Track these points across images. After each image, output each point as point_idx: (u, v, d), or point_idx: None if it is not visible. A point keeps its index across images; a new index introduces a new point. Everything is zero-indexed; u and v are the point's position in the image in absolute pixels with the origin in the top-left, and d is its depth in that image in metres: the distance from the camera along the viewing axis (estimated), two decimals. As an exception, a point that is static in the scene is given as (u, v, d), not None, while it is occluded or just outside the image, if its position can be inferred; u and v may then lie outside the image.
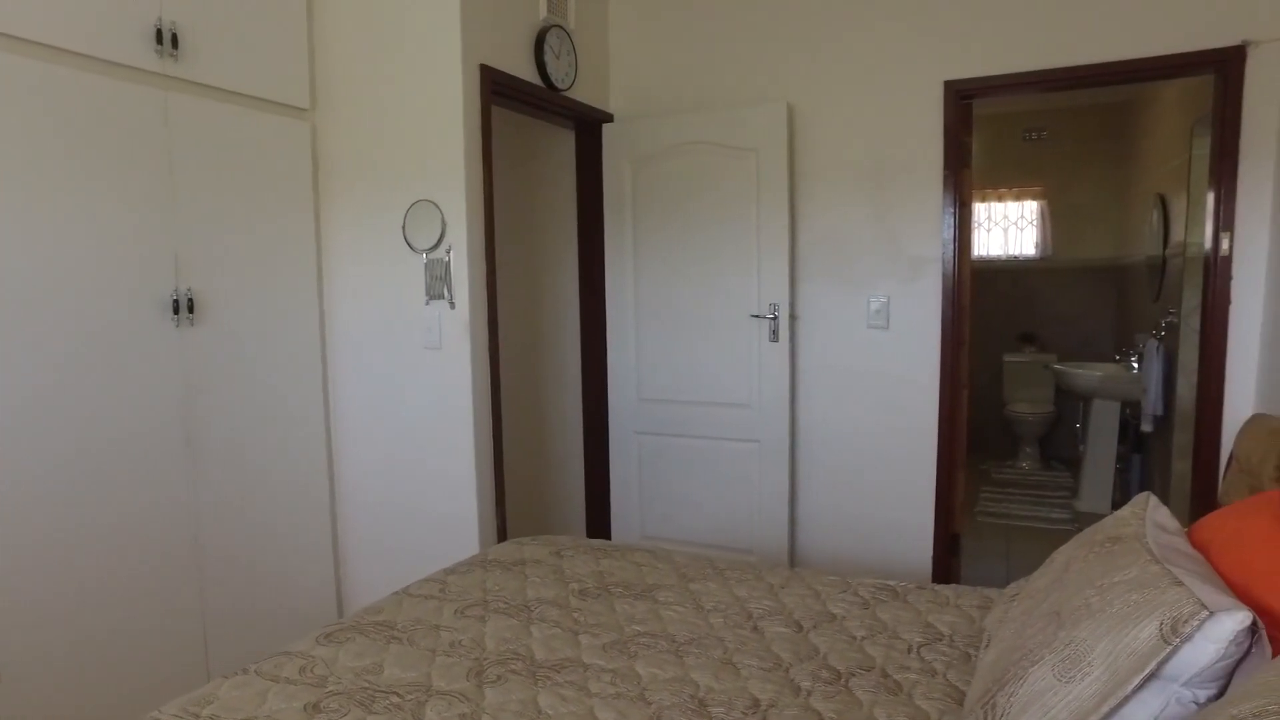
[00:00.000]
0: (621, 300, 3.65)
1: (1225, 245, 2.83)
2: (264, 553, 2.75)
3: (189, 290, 2.46)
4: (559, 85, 3.27)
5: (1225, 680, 1.05)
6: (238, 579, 2.65)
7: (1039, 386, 5.75)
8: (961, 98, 3.14)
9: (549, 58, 3.20)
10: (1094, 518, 4.54)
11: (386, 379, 2.96)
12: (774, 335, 3.34)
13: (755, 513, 3.45)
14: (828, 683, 1.48)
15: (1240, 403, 2.84)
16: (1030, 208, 5.92)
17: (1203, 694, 1.05)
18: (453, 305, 2.84)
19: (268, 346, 2.76)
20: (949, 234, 3.19)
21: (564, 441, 4.01)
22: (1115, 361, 5.09)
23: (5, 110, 1.98)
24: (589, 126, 3.67)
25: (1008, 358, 5.90)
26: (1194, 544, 1.40)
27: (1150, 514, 1.44)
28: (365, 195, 2.94)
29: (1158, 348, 4.00)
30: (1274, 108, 2.75)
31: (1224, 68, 2.81)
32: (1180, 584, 1.08)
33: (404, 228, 2.88)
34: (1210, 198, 2.89)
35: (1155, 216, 4.51)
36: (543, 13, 3.19)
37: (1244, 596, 1.17)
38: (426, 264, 2.86)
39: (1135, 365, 4.55)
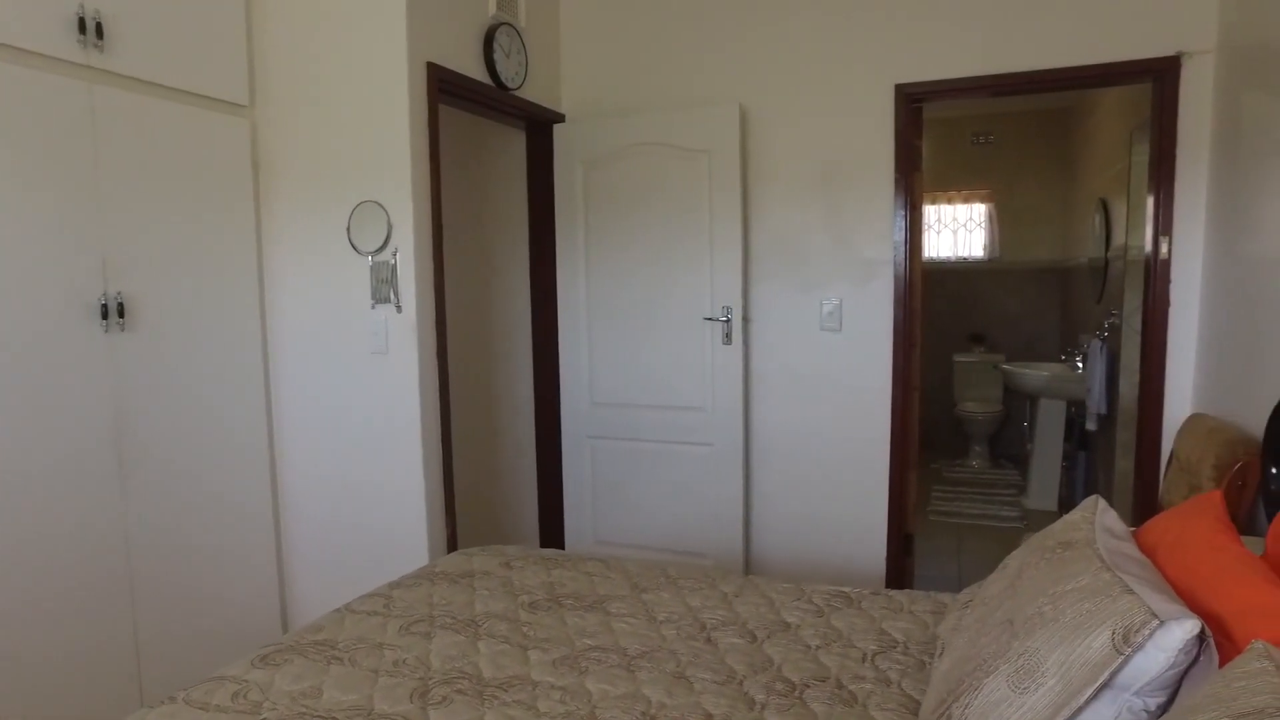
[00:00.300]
0: (573, 303, 3.60)
1: (1165, 249, 2.90)
2: (202, 571, 2.63)
3: (119, 294, 2.35)
4: (509, 84, 3.21)
5: (1174, 688, 1.05)
6: (174, 600, 2.53)
7: (988, 386, 5.85)
8: (912, 101, 3.17)
9: (498, 56, 3.14)
10: (1042, 514, 4.64)
11: (331, 386, 2.87)
12: (727, 338, 3.33)
13: (710, 517, 3.43)
14: (782, 695, 1.45)
15: (1179, 402, 2.90)
16: (978, 210, 6.02)
17: (1153, 702, 1.05)
18: (399, 309, 2.77)
19: (205, 353, 2.65)
20: (900, 236, 3.21)
21: (516, 447, 3.94)
22: (1061, 361, 5.20)
23: (-88, 104, 1.86)
24: (540, 127, 3.61)
25: (958, 358, 5.99)
26: (1141, 547, 1.41)
27: (1099, 518, 1.45)
28: (308, 196, 2.84)
29: (1101, 348, 4.09)
30: (1207, 117, 2.83)
31: (1160, 77, 2.88)
32: (1131, 592, 1.08)
33: (349, 229, 2.80)
34: (1150, 202, 2.95)
35: (1097, 220, 4.61)
36: (492, 10, 3.12)
37: (1189, 600, 1.18)
38: (372, 267, 2.78)
39: (1080, 365, 4.65)
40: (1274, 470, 2.09)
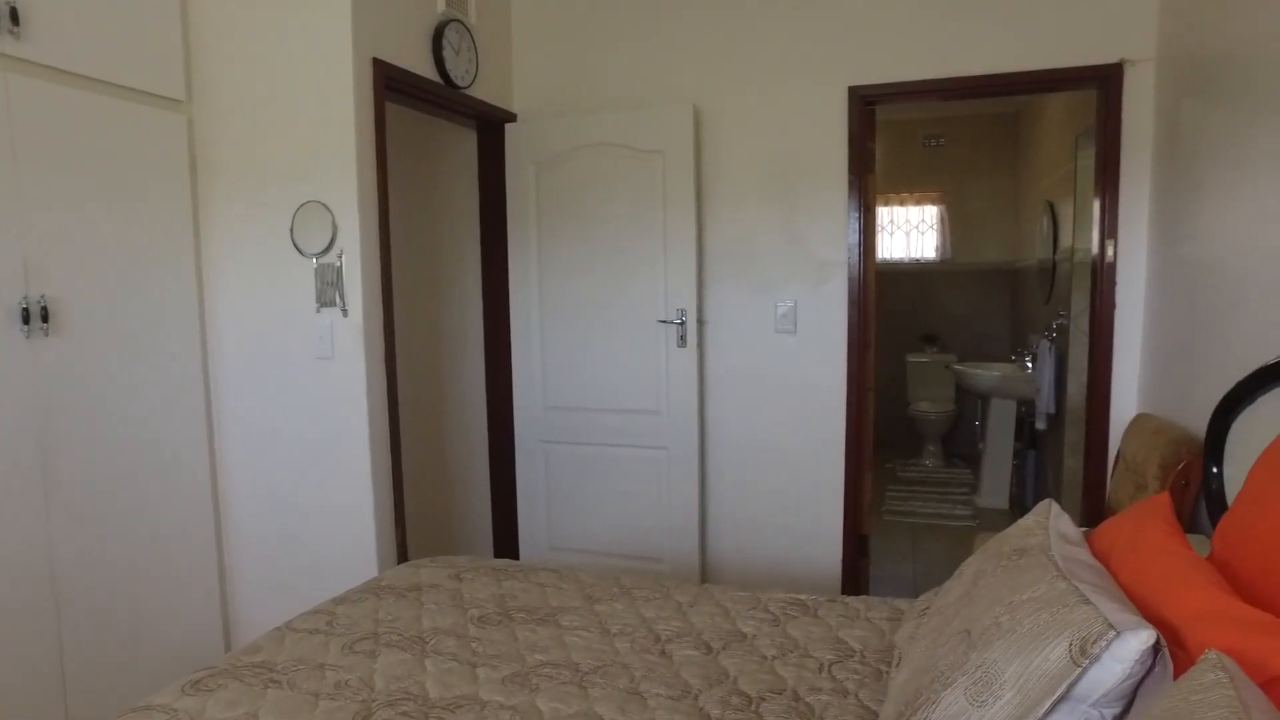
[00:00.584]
0: (526, 306, 3.54)
1: (1110, 252, 2.94)
2: (137, 594, 2.50)
3: (42, 297, 2.22)
4: (459, 82, 3.14)
5: (1130, 698, 1.04)
6: (106, 627, 2.39)
7: (940, 386, 5.92)
8: (865, 103, 3.17)
9: (448, 53, 3.06)
10: (994, 513, 4.70)
11: (275, 393, 2.77)
12: (682, 340, 3.30)
13: (665, 521, 3.40)
14: (738, 710, 1.42)
15: (1125, 402, 2.95)
16: (930, 212, 6.09)
17: (1109, 713, 1.04)
18: (345, 313, 2.68)
19: (139, 360, 2.53)
20: (854, 238, 3.21)
21: (468, 453, 3.87)
22: (1011, 362, 5.28)
23: None
24: (491, 126, 3.54)
25: (911, 358, 6.06)
26: (1095, 552, 1.41)
27: (1053, 523, 1.45)
28: (249, 195, 2.74)
29: (1050, 348, 4.15)
30: (1149, 123, 2.88)
31: (1104, 83, 2.93)
32: (1087, 602, 1.07)
33: (292, 230, 2.70)
34: (1096, 206, 3.00)
35: (1045, 222, 4.69)
36: (441, 6, 3.05)
37: (1142, 606, 1.17)
38: (317, 269, 2.69)
39: (1029, 365, 4.72)
40: (1214, 470, 2.12)
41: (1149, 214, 2.88)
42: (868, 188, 3.27)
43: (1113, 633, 0.99)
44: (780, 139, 3.26)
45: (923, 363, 6.01)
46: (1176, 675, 1.01)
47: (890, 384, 6.07)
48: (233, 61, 2.70)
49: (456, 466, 3.91)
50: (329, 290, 2.69)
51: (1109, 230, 2.93)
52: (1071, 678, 1.00)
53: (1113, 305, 2.94)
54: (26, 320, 2.18)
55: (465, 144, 3.70)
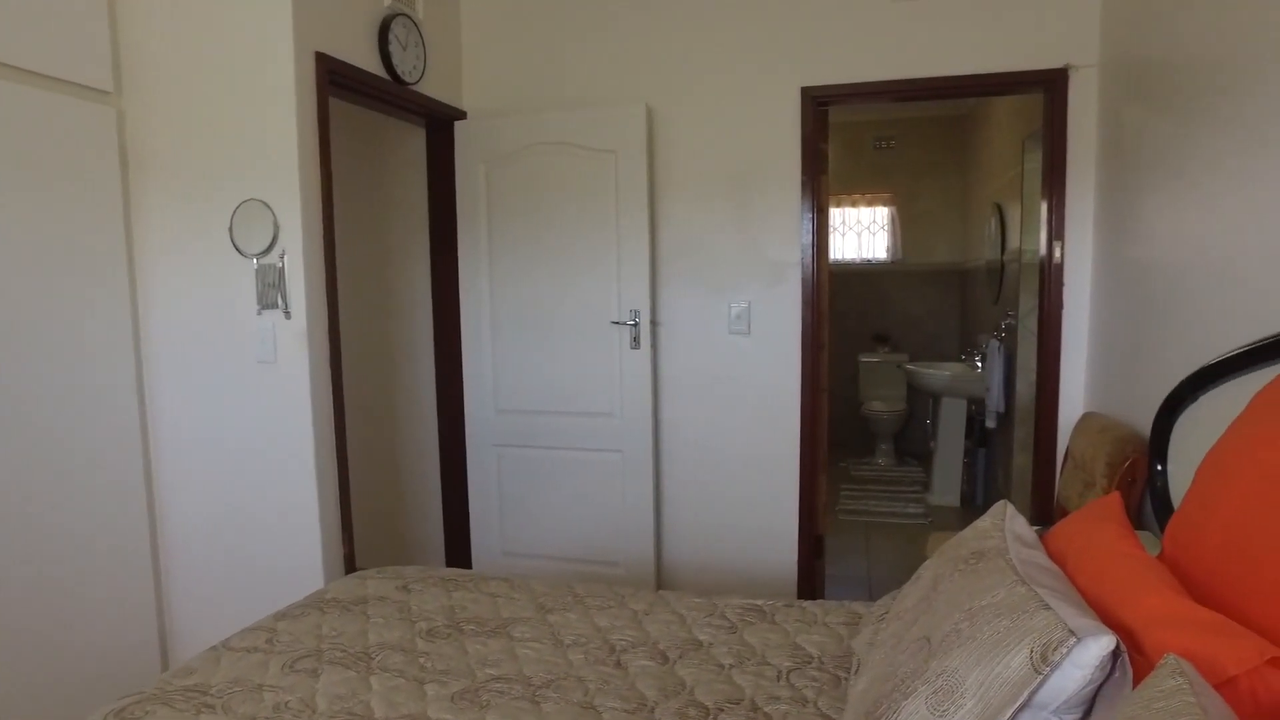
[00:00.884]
0: (477, 307, 3.46)
1: (1058, 253, 2.99)
2: (66, 617, 2.36)
3: (-42, 301, 2.10)
4: (406, 78, 3.06)
5: (1089, 704, 1.03)
6: (32, 651, 2.26)
7: (892, 385, 5.99)
8: (818, 104, 3.17)
9: (394, 48, 2.98)
10: (946, 511, 4.76)
11: (214, 399, 2.66)
12: (635, 342, 3.26)
13: (620, 524, 3.36)
14: (695, 721, 1.38)
15: (1073, 401, 3.00)
16: (881, 213, 6.16)
17: (1069, 719, 1.03)
18: (288, 315, 2.59)
19: (67, 366, 2.40)
20: (808, 239, 3.21)
21: (418, 459, 3.78)
22: (961, 361, 5.36)
23: None
24: (440, 123, 3.46)
25: (863, 358, 6.12)
26: (1050, 554, 1.41)
27: (1009, 525, 1.44)
28: (185, 192, 2.63)
29: (999, 348, 4.22)
30: (1093, 127, 2.93)
31: (1051, 87, 2.97)
32: (1047, 608, 1.06)
33: (231, 229, 2.59)
34: (1043, 208, 3.04)
35: (993, 224, 4.77)
36: (387, 0, 2.96)
37: (1100, 610, 1.17)
38: (258, 270, 2.59)
39: (979, 365, 4.80)
40: (1159, 467, 2.16)
41: (1094, 216, 2.93)
42: (821, 188, 3.27)
43: (1073, 639, 0.98)
44: (734, 139, 3.25)
45: (875, 362, 6.07)
46: (1135, 679, 1.01)
47: (843, 384, 6.12)
48: (165, 52, 2.58)
49: (407, 473, 3.82)
50: (271, 292, 2.59)
51: (1056, 232, 2.97)
52: (1033, 685, 0.98)
53: (1060, 306, 2.98)
54: (-60, 324, 2.05)
55: (413, 142, 3.61)
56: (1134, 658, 1.06)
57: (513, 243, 3.38)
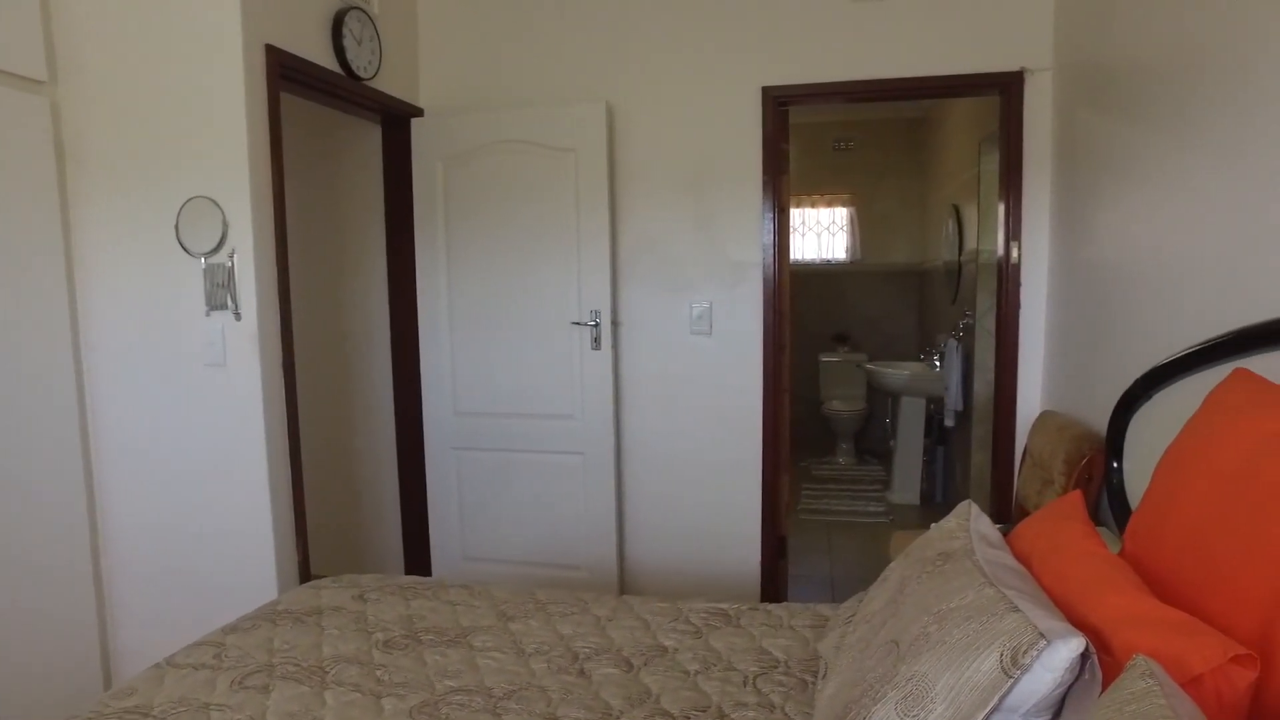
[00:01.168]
0: (435, 308, 3.40)
1: (1015, 254, 3.02)
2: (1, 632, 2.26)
3: (-120, 303, 1.98)
4: (361, 74, 2.98)
5: (1058, 706, 1.03)
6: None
7: (852, 385, 6.03)
8: (779, 104, 3.17)
9: (349, 43, 2.91)
10: (906, 509, 4.80)
11: (160, 404, 2.56)
12: (596, 343, 3.22)
13: (582, 527, 3.32)
14: (661, 730, 1.36)
15: (1031, 400, 3.04)
16: (841, 214, 6.20)
17: (1038, 721, 1.02)
18: (238, 316, 2.50)
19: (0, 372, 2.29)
20: (769, 239, 3.21)
21: (375, 463, 3.69)
22: (920, 360, 5.42)
23: None
24: (396, 120, 3.39)
25: (823, 357, 6.15)
26: (1015, 553, 1.41)
27: (974, 525, 1.44)
28: (127, 188, 2.52)
29: (957, 347, 4.26)
30: (1048, 129, 2.97)
31: (1007, 90, 3.00)
32: (1016, 610, 1.05)
33: (177, 228, 2.50)
34: (1001, 209, 3.08)
35: (950, 225, 4.82)
36: (340, -8, 2.89)
37: (1066, 610, 1.17)
38: (206, 269, 2.50)
39: (938, 364, 4.85)
40: (1115, 465, 2.19)
41: (1050, 217, 2.97)
42: (782, 188, 3.27)
43: (1043, 641, 0.97)
44: (695, 139, 3.23)
45: (834, 362, 6.11)
46: (1104, 679, 1.00)
47: (803, 383, 6.15)
48: (104, 40, 2.47)
49: (364, 477, 3.74)
50: (220, 292, 2.50)
51: (1013, 233, 3.01)
52: (1004, 689, 0.97)
53: (1018, 306, 3.02)
54: None
55: (369, 139, 3.53)
56: (1102, 658, 1.05)
57: (471, 242, 3.33)
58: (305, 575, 2.64)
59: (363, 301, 3.65)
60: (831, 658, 1.41)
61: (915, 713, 1.02)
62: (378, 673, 1.57)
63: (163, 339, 2.55)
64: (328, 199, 3.66)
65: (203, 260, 2.49)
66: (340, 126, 3.58)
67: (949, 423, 4.42)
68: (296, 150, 3.55)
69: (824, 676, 1.38)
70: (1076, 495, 1.59)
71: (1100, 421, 2.29)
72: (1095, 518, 2.37)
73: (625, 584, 3.39)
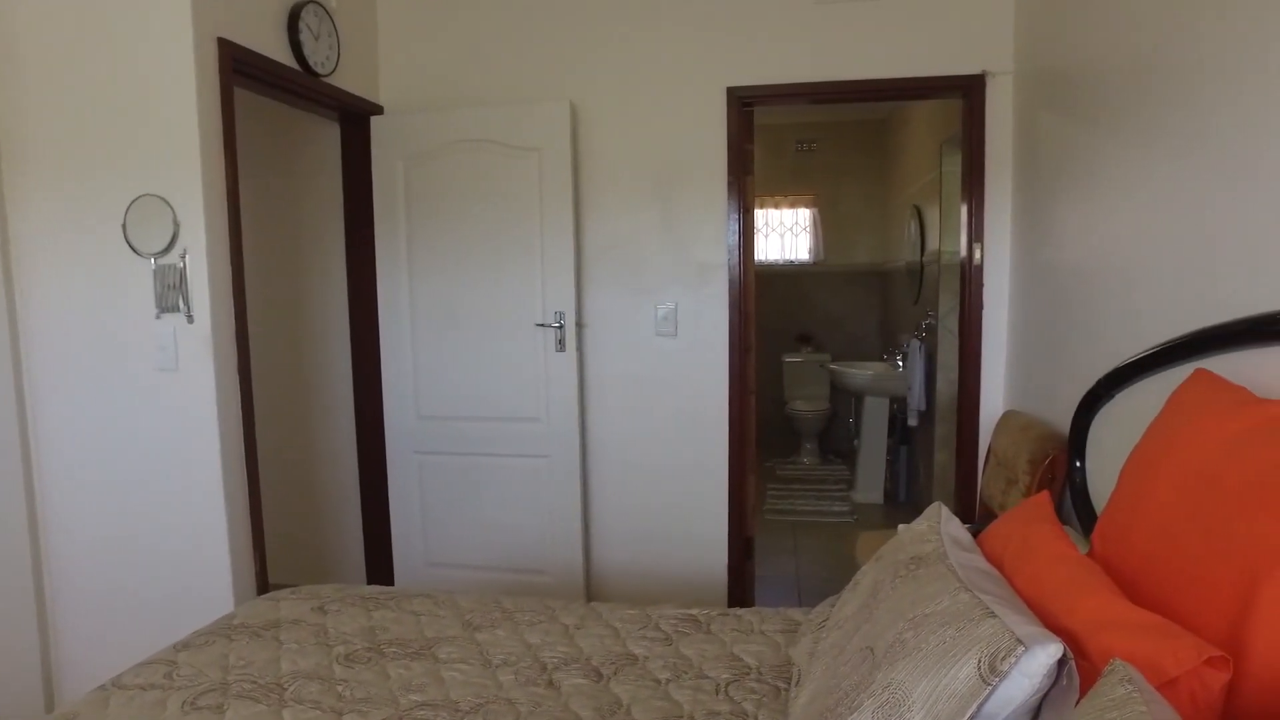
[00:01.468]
0: (396, 310, 3.33)
1: (978, 255, 3.05)
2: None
3: None
4: (318, 70, 2.91)
5: (1035, 712, 1.02)
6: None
7: (816, 385, 6.07)
8: (743, 104, 3.16)
9: (305, 37, 2.83)
10: (870, 508, 4.84)
11: (108, 411, 2.47)
12: (560, 345, 3.18)
13: (548, 531, 3.28)
14: (633, 742, 1.33)
15: (994, 399, 3.07)
16: (803, 214, 6.23)
17: (1015, 728, 1.01)
18: (191, 319, 2.42)
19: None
20: (734, 239, 3.20)
21: (336, 468, 3.61)
22: (883, 360, 5.46)
23: None
24: (355, 118, 3.31)
25: (787, 358, 6.17)
26: (987, 556, 1.40)
27: (944, 527, 1.43)
28: (70, 186, 2.43)
29: (920, 347, 4.30)
30: (1009, 132, 3.00)
31: (969, 93, 3.03)
32: (993, 615, 1.04)
33: (125, 227, 2.41)
34: (964, 211, 3.10)
35: (913, 226, 4.87)
36: (296, -14, 2.81)
37: (1040, 614, 1.16)
38: (156, 270, 2.41)
39: (900, 364, 4.89)
40: (1078, 464, 2.21)
41: (1012, 219, 3.00)
42: (746, 189, 3.26)
43: (1021, 648, 0.96)
44: (659, 139, 3.21)
45: (798, 362, 6.14)
46: (1081, 685, 0.99)
47: (767, 384, 6.16)
48: (43, 31, 2.37)
49: (323, 483, 3.65)
50: (171, 294, 2.42)
51: (976, 234, 3.04)
52: (982, 697, 0.96)
53: (980, 306, 3.05)
54: None
55: (327, 137, 3.45)
56: (1078, 662, 1.05)
57: (433, 243, 3.26)
58: (263, 586, 2.56)
59: (321, 303, 3.57)
60: (805, 664, 1.39)
61: (893, 722, 1.01)
62: (339, 688, 1.52)
63: (110, 343, 2.46)
64: (285, 198, 3.57)
65: (153, 261, 2.41)
66: (297, 124, 3.49)
67: (912, 422, 4.46)
68: (252, 148, 3.45)
69: (797, 683, 1.36)
70: (1044, 496, 1.60)
71: (1062, 421, 2.32)
72: (1059, 517, 2.40)
73: (591, 588, 3.36)
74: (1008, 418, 2.80)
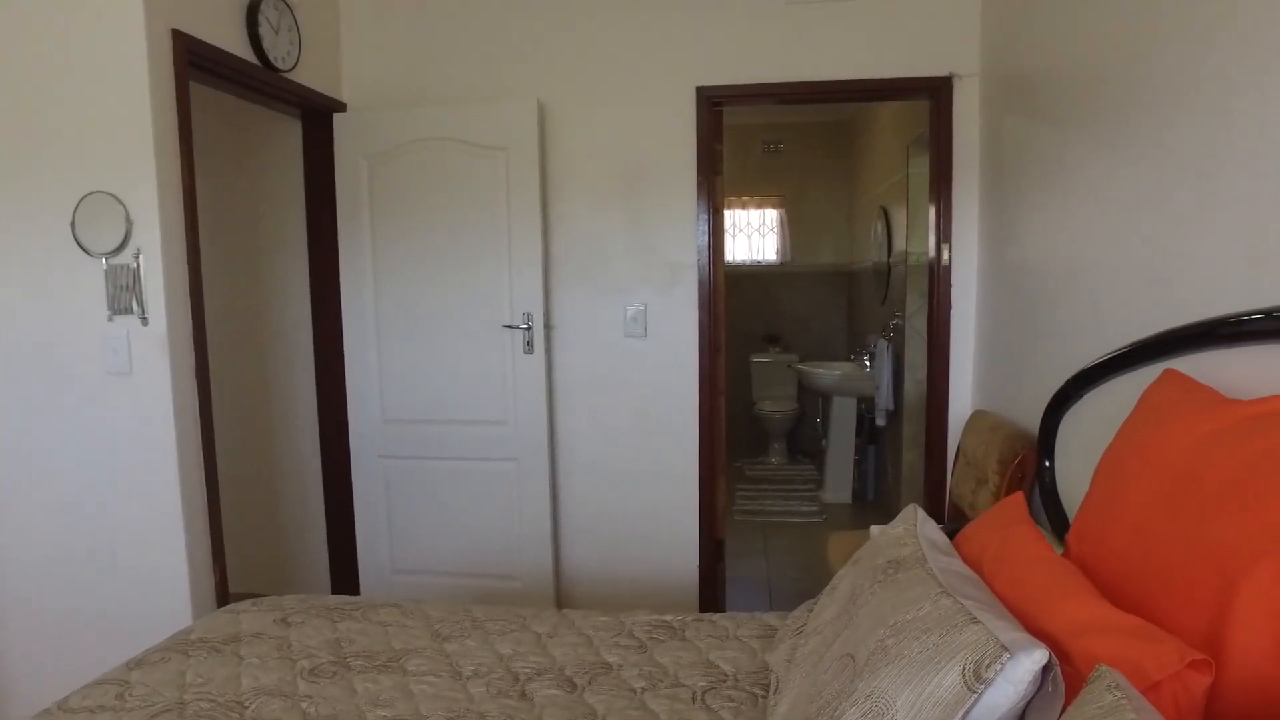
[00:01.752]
0: (360, 312, 3.25)
1: (946, 256, 3.07)
2: None
3: None
4: (279, 65, 2.83)
5: (1019, 716, 1.01)
6: None
7: (783, 385, 6.08)
8: (713, 104, 3.15)
9: (265, 31, 2.75)
10: (838, 508, 4.85)
11: (56, 417, 2.37)
12: (529, 346, 3.14)
13: (517, 536, 3.23)
14: (609, 755, 1.30)
15: (962, 399, 3.09)
16: (770, 215, 6.25)
17: (1000, 734, 1.00)
18: (145, 321, 2.33)
19: None
20: (704, 240, 3.18)
21: (299, 474, 3.52)
22: (850, 360, 5.49)
23: None
24: (317, 115, 3.23)
25: (754, 358, 6.18)
26: (964, 559, 1.40)
27: (921, 530, 1.42)
28: (12, 183, 2.33)
29: (887, 348, 4.33)
30: (974, 134, 3.03)
31: (936, 95, 3.05)
32: (976, 621, 1.03)
33: (74, 225, 2.32)
34: (931, 212, 3.12)
35: (879, 226, 4.90)
36: (254, -22, 2.73)
37: (1022, 618, 1.15)
38: (107, 271, 2.32)
39: (868, 364, 4.92)
40: (1047, 464, 2.23)
41: (979, 220, 3.03)
42: (716, 189, 3.25)
43: (1006, 654, 0.95)
44: (629, 138, 3.18)
45: (766, 363, 6.15)
46: (1065, 689, 0.98)
47: (735, 384, 6.16)
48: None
49: (286, 490, 3.56)
50: (124, 295, 2.33)
51: (944, 235, 3.05)
52: (967, 705, 0.95)
53: (949, 307, 3.06)
54: None
55: (289, 133, 3.36)
56: (1061, 667, 1.04)
57: (398, 243, 3.20)
58: (223, 598, 2.48)
59: (283, 304, 3.48)
60: (783, 671, 1.37)
61: (877, 731, 0.99)
62: (303, 705, 1.47)
63: (58, 346, 2.37)
64: (245, 196, 3.48)
65: (104, 261, 2.32)
66: (258, 121, 3.40)
67: (880, 422, 4.48)
68: (210, 145, 3.36)
69: (776, 691, 1.34)
70: (1019, 498, 1.60)
71: (1031, 421, 2.33)
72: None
73: (561, 593, 3.32)
74: (976, 418, 2.82)
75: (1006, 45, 2.74)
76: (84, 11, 2.24)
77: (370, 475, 3.32)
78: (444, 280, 3.17)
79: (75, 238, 2.32)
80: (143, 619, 2.33)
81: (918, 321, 3.91)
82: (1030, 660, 0.95)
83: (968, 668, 0.96)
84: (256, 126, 3.42)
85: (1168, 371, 1.56)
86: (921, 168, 3.61)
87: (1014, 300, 2.65)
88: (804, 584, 3.72)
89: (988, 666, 0.95)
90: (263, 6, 2.72)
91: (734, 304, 6.15)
